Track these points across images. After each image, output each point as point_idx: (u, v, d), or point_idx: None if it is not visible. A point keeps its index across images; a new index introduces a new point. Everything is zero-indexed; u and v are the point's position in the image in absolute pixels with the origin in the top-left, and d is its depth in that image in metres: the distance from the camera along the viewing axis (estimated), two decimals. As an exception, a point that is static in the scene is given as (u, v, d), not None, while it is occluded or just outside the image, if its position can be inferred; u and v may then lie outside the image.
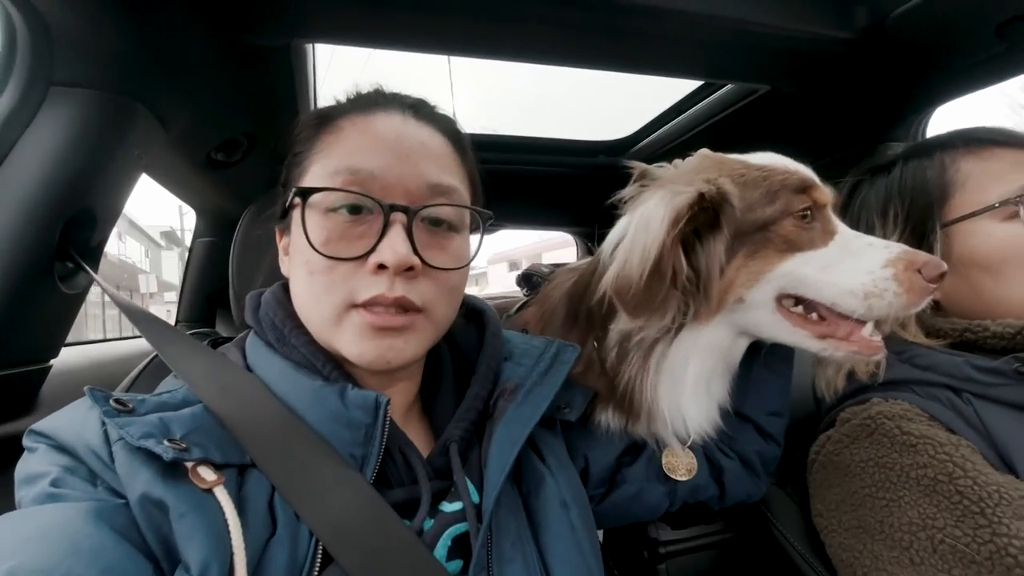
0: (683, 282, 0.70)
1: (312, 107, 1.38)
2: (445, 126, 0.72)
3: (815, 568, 0.86)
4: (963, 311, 0.86)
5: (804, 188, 0.73)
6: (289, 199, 0.68)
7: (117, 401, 0.57)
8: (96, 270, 0.99)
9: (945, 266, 0.70)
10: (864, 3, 1.08)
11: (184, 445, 0.54)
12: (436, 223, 0.67)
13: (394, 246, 0.62)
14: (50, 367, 1.05)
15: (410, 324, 0.64)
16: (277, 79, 1.20)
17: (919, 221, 0.89)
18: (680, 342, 0.76)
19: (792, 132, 1.62)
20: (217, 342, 0.79)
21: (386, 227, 0.63)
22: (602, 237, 0.83)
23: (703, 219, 0.72)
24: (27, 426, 0.57)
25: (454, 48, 1.19)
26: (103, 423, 0.56)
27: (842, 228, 0.75)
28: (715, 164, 0.77)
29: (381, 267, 0.62)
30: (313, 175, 0.66)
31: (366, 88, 0.74)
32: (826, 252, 0.72)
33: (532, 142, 2.00)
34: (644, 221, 0.71)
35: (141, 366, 1.06)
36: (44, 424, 0.57)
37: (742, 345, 0.83)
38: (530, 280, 1.25)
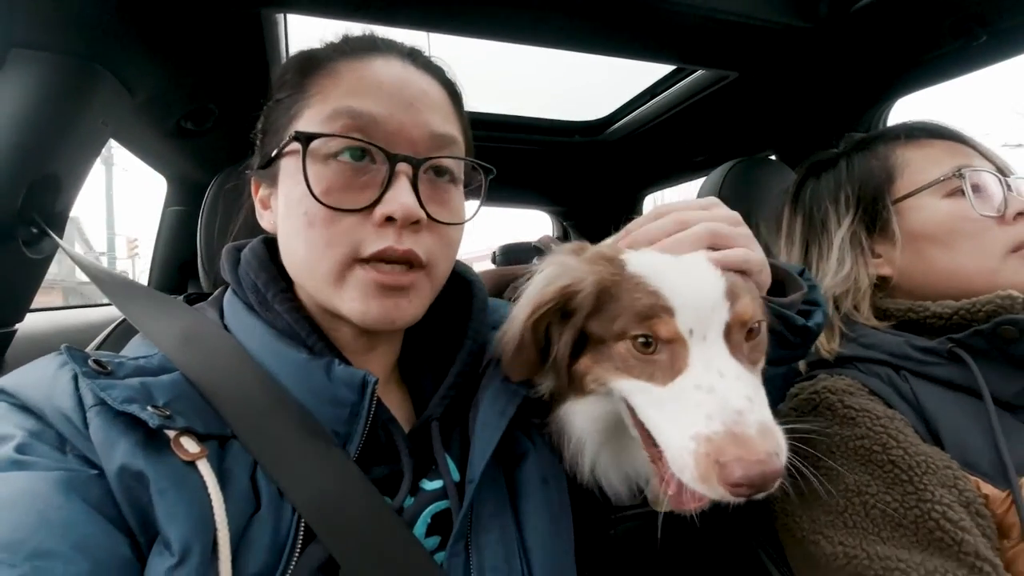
0: (549, 356, 0.68)
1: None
2: (441, 76, 0.70)
3: (754, 536, 0.91)
4: (916, 286, 0.92)
5: (648, 316, 0.60)
6: (281, 145, 0.63)
7: (96, 362, 0.54)
8: (61, 235, 0.98)
9: (768, 481, 0.53)
10: None
11: (168, 413, 0.52)
12: (440, 173, 0.66)
13: (401, 198, 0.60)
14: (15, 331, 1.04)
15: (414, 282, 0.63)
16: (248, 48, 1.18)
17: (870, 202, 0.96)
18: (570, 408, 0.72)
19: (760, 120, 1.65)
20: (192, 299, 0.75)
21: (391, 178, 0.61)
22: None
23: (565, 307, 0.66)
24: None
25: (429, 24, 1.19)
26: (76, 386, 0.52)
27: (695, 366, 0.59)
28: (604, 260, 0.67)
29: (388, 220, 0.60)
30: (309, 119, 0.63)
31: (356, 32, 0.70)
32: (663, 391, 0.60)
33: (508, 120, 2.00)
34: (525, 298, 0.68)
35: (106, 332, 1.05)
36: (6, 380, 0.54)
37: None
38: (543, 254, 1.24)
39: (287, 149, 0.63)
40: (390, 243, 0.60)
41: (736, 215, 0.66)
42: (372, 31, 0.70)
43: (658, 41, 1.25)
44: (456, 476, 0.66)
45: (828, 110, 1.50)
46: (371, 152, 0.62)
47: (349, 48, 0.67)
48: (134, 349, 0.65)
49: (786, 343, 0.70)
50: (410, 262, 0.62)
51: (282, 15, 1.18)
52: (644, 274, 0.61)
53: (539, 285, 0.67)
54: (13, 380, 0.54)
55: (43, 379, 0.53)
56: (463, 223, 0.70)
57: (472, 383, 0.72)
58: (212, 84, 1.27)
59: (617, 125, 1.99)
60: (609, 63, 1.37)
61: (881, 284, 0.95)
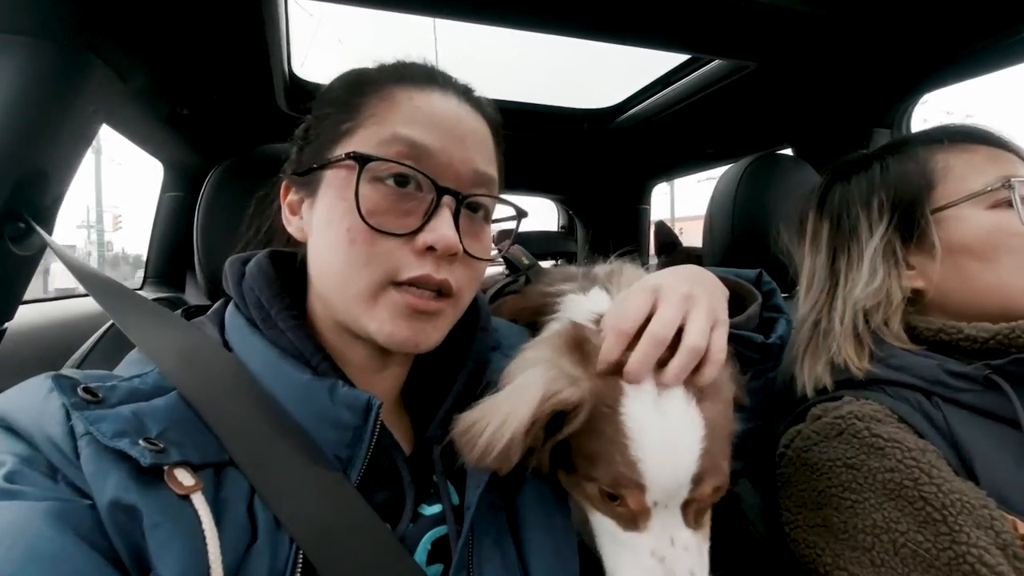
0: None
1: (285, 65, 1.31)
2: (489, 115, 0.71)
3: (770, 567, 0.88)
4: (951, 300, 0.86)
5: (621, 484, 0.61)
6: (332, 159, 0.63)
7: (86, 390, 0.51)
8: (50, 231, 0.94)
9: None
10: None
11: (161, 446, 0.49)
12: (475, 209, 0.67)
13: (444, 229, 0.60)
14: (4, 331, 1.01)
15: (442, 309, 0.63)
16: (247, 33, 1.13)
17: (906, 210, 0.90)
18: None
19: (778, 112, 1.60)
20: (190, 312, 0.73)
21: (436, 208, 0.61)
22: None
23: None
24: None
25: (436, 9, 1.13)
26: (67, 413, 0.50)
27: (652, 530, 0.61)
28: (602, 382, 0.63)
29: (429, 248, 0.60)
30: (363, 139, 0.63)
31: (410, 59, 0.71)
32: (622, 535, 0.62)
33: (516, 107, 1.95)
34: (521, 402, 0.61)
35: (98, 334, 1.01)
36: None
37: None
38: (509, 263, 1.19)
39: (337, 164, 0.63)
40: (428, 271, 0.60)
41: (679, 294, 0.64)
42: (430, 61, 0.71)
43: (673, 29, 1.19)
44: (455, 499, 0.65)
45: (852, 104, 1.44)
46: (418, 180, 0.62)
47: (408, 75, 0.67)
48: (129, 367, 0.63)
49: (750, 361, 0.70)
50: (442, 291, 0.62)
51: (282, 1, 1.13)
52: (630, 431, 0.60)
53: (538, 390, 0.62)
54: (1, 402, 0.52)
55: (33, 403, 0.51)
56: (492, 260, 0.71)
57: (470, 404, 0.69)
58: (210, 69, 1.22)
59: (627, 114, 1.93)
60: (621, 50, 1.32)
61: (914, 298, 0.89)
